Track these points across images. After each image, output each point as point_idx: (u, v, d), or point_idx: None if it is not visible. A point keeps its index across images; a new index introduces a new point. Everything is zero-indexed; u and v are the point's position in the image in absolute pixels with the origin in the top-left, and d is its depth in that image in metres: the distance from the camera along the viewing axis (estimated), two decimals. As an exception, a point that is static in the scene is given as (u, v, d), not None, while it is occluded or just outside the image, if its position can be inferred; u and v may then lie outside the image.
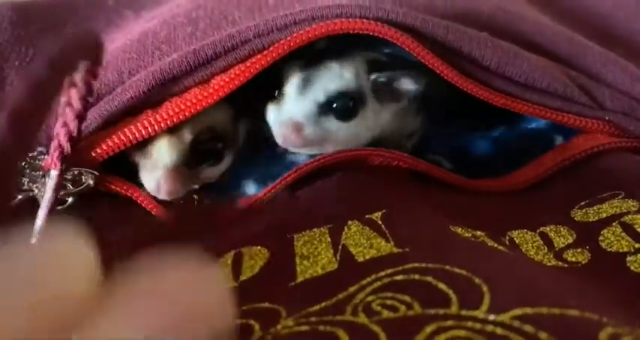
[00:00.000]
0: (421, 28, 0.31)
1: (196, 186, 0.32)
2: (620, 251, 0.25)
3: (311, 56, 0.31)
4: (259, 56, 0.29)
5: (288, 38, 0.29)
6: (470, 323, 0.18)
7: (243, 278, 0.24)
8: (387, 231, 0.24)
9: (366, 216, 0.26)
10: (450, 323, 0.18)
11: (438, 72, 0.31)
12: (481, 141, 0.36)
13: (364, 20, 0.30)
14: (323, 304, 0.20)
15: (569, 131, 0.33)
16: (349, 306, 0.20)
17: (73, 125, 0.25)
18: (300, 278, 0.23)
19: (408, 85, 0.32)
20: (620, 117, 0.31)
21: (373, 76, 0.32)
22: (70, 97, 0.24)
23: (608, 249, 0.25)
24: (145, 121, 0.28)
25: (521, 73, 0.31)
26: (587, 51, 0.32)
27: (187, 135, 0.30)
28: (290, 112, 0.31)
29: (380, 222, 0.25)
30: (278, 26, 0.30)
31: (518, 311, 0.18)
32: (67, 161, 0.27)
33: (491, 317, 0.18)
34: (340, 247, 0.24)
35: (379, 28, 0.30)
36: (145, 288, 0.12)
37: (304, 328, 0.19)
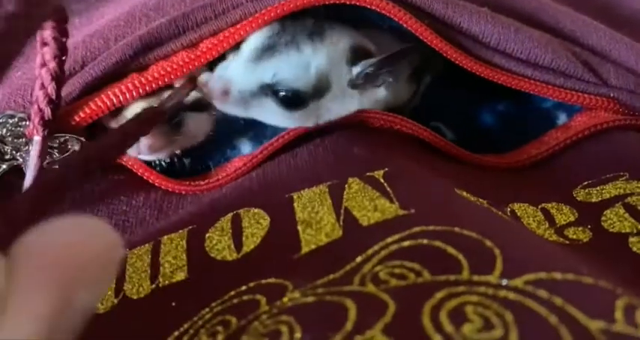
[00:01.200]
0: (420, 3, 0.30)
1: (180, 145, 0.31)
2: (623, 231, 0.24)
3: (296, 17, 0.29)
4: (250, 19, 0.28)
5: (282, 2, 0.28)
6: (482, 289, 0.17)
7: (245, 249, 0.23)
8: (390, 191, 0.23)
9: (367, 174, 0.25)
10: (461, 288, 0.17)
11: (437, 49, 0.30)
12: (486, 114, 0.36)
13: (362, -9, 0.29)
14: (330, 276, 0.19)
15: (573, 108, 0.32)
16: (357, 277, 0.19)
17: (50, 87, 0.24)
18: (305, 249, 0.22)
19: (389, 77, 0.30)
20: (625, 94, 0.30)
21: (357, 69, 0.30)
22: (44, 57, 0.23)
23: (610, 230, 0.24)
24: (129, 84, 0.27)
25: (522, 49, 0.30)
26: (592, 29, 0.31)
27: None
28: (230, 74, 0.28)
29: (382, 181, 0.24)
30: (273, -10, 0.29)
31: (531, 276, 0.17)
32: (49, 126, 0.26)
33: (504, 282, 0.17)
34: (342, 210, 0.23)
35: (377, 1, 0.29)
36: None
37: (310, 299, 0.18)
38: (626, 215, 0.25)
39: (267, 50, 0.28)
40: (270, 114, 0.29)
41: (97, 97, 0.27)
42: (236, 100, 0.28)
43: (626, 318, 0.16)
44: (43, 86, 0.24)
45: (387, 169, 0.25)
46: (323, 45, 0.29)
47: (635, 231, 0.24)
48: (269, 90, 0.28)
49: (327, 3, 0.29)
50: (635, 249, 0.23)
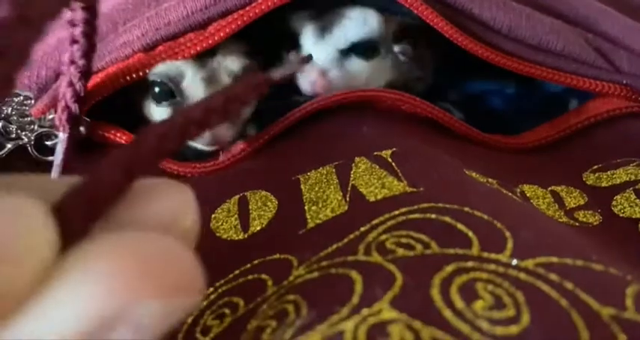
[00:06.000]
0: (431, -12, 0.30)
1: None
2: (633, 217, 0.24)
3: (323, 6, 0.31)
4: (260, 1, 0.28)
5: None
6: (492, 266, 0.17)
7: (252, 229, 0.23)
8: (398, 170, 0.23)
9: (375, 153, 0.24)
10: (470, 264, 0.17)
11: (447, 36, 0.29)
12: (495, 97, 0.35)
13: (374, -23, 0.29)
14: (334, 246, 0.19)
15: (585, 94, 0.32)
16: (361, 246, 0.18)
17: (79, 85, 0.24)
18: (310, 224, 0.21)
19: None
20: (638, 80, 0.29)
21: (400, 47, 0.33)
22: (73, 55, 0.23)
23: (621, 214, 0.24)
24: (135, 61, 0.27)
25: (534, 35, 0.29)
26: (604, 15, 0.31)
27: None
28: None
29: (390, 160, 0.24)
30: (284, -27, 0.29)
31: (542, 259, 0.17)
32: (76, 123, 0.26)
33: (515, 262, 0.17)
34: (350, 188, 0.22)
35: None
36: None
37: (315, 274, 0.18)
38: (637, 200, 0.24)
39: (324, 29, 0.31)
40: (361, 71, 0.32)
41: (100, 77, 0.27)
42: (335, 73, 0.31)
43: (636, 306, 0.15)
44: (71, 83, 0.24)
45: (395, 149, 0.24)
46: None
47: None
48: (347, 51, 0.31)
49: None
50: None
